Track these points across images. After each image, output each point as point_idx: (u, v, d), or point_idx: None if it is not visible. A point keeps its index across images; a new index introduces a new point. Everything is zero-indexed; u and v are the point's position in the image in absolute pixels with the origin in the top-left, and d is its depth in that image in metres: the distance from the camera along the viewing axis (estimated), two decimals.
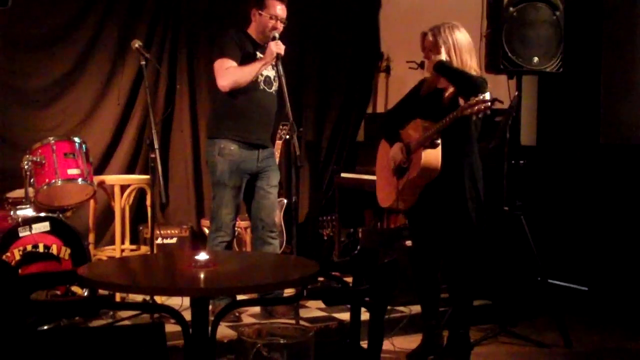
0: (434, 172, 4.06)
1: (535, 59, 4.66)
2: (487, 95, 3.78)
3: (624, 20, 5.30)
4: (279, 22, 4.72)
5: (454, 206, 4.09)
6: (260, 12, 4.73)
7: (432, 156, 4.05)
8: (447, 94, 4.12)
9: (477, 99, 3.79)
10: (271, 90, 4.77)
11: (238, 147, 4.69)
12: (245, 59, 4.68)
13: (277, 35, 4.63)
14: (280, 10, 4.73)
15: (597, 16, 5.43)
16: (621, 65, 5.33)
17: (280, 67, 4.57)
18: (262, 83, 4.74)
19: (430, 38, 4.15)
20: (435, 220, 4.18)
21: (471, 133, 4.12)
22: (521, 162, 4.72)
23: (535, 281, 4.67)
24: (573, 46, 5.02)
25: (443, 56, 4.07)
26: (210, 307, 4.42)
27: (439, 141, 4.03)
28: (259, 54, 4.71)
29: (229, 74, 4.61)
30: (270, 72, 4.75)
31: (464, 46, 4.10)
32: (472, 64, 4.11)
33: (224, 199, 4.71)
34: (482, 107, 3.79)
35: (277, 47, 4.56)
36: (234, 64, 4.63)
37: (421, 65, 5.78)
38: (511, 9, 4.66)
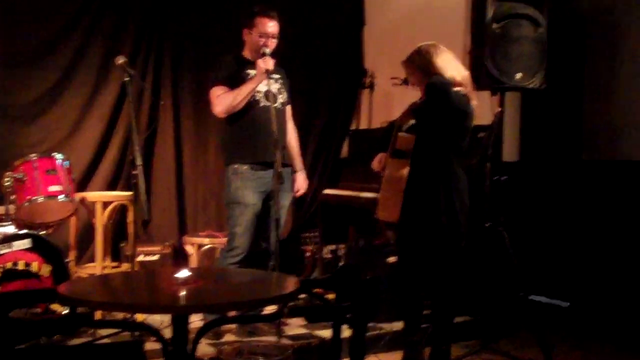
0: (399, 181, 4.15)
1: (519, 75, 4.68)
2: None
3: (606, 36, 5.34)
4: (269, 39, 4.72)
5: (429, 221, 4.11)
6: (250, 31, 4.75)
7: (395, 166, 4.19)
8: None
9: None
10: (276, 104, 4.66)
11: (250, 167, 4.71)
12: (239, 82, 4.68)
13: (267, 51, 4.63)
14: (270, 27, 4.73)
15: (580, 33, 5.47)
16: (604, 82, 5.36)
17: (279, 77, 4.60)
18: (262, 100, 4.72)
19: (408, 69, 4.34)
20: (414, 234, 4.19)
21: (449, 147, 4.13)
22: (503, 178, 4.73)
23: (517, 297, 4.66)
24: (556, 63, 5.04)
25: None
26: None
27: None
28: (252, 73, 4.70)
29: (221, 100, 4.65)
30: (273, 86, 4.72)
31: (440, 67, 4.17)
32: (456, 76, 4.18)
33: (239, 218, 4.70)
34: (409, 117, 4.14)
35: (265, 64, 4.56)
36: (225, 90, 4.65)
37: (405, 82, 5.81)
38: (494, 25, 4.67)
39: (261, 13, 4.73)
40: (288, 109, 5.01)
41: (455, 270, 4.18)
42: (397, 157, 4.25)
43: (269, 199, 4.77)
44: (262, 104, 4.72)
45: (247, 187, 4.70)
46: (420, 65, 4.23)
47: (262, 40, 4.69)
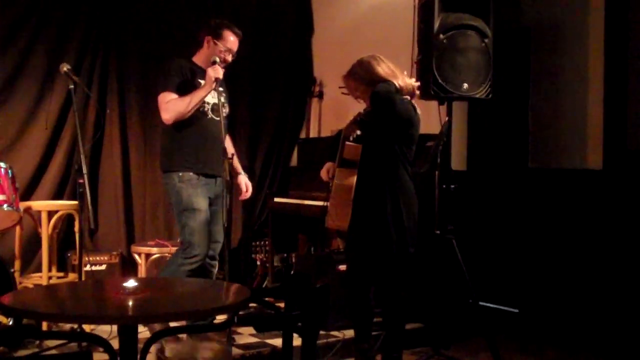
0: (348, 190, 4.20)
1: (465, 86, 4.73)
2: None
3: (550, 48, 5.44)
4: (229, 55, 4.76)
5: (377, 230, 4.14)
6: (215, 41, 4.75)
7: (343, 175, 4.24)
8: None
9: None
10: (219, 118, 4.65)
11: (197, 175, 4.72)
12: (189, 88, 4.67)
13: (217, 59, 4.62)
14: (235, 44, 4.78)
15: (525, 44, 5.56)
16: (548, 92, 5.46)
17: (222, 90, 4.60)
18: (209, 111, 4.74)
19: (345, 83, 4.37)
20: (362, 243, 4.21)
21: (396, 156, 4.17)
22: (452, 186, 4.78)
23: (467, 304, 4.71)
24: (502, 73, 5.12)
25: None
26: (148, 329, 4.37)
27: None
28: (202, 82, 4.69)
29: (170, 106, 4.63)
30: (217, 99, 4.67)
31: (384, 76, 4.23)
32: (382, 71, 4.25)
33: (196, 224, 4.68)
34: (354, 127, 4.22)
35: (215, 72, 4.55)
36: (175, 96, 4.63)
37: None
38: (441, 36, 4.73)
39: (231, 28, 4.77)
40: None
41: (404, 278, 4.20)
42: (345, 167, 4.28)
43: (211, 205, 4.81)
44: (209, 116, 4.74)
45: (198, 193, 4.71)
46: (363, 76, 4.27)
47: (224, 54, 4.73)
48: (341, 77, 4.42)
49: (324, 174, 4.49)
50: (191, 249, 4.70)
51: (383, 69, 4.24)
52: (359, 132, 4.28)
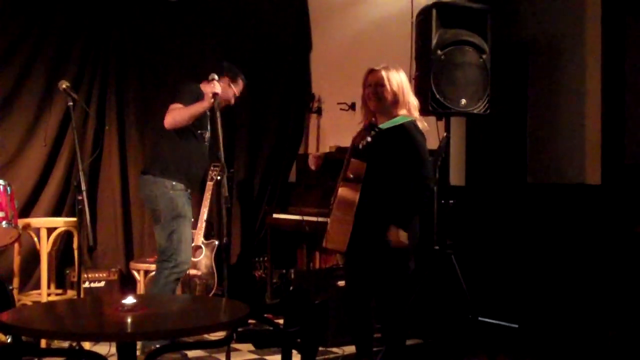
0: (350, 205, 4.10)
1: (463, 101, 4.75)
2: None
3: (548, 63, 5.45)
4: (235, 99, 5.09)
5: (380, 249, 4.08)
6: (231, 84, 5.03)
7: (346, 191, 4.13)
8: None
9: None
10: (206, 143, 5.00)
11: (185, 188, 4.94)
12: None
13: (216, 76, 4.74)
14: (241, 91, 5.12)
15: (523, 59, 5.57)
16: (546, 107, 5.47)
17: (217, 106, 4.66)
18: (207, 138, 5.00)
19: (382, 73, 4.15)
20: (364, 261, 4.18)
21: (402, 180, 4.10)
22: (451, 201, 4.78)
23: (466, 319, 4.71)
24: (500, 89, 5.13)
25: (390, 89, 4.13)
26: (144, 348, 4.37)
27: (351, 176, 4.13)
28: None
29: (173, 113, 4.80)
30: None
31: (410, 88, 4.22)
32: (414, 104, 4.20)
33: (185, 232, 4.86)
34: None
35: (212, 87, 4.65)
36: (181, 106, 4.81)
37: (352, 107, 5.87)
38: (439, 52, 4.75)
39: (243, 77, 5.10)
40: None
41: (404, 295, 4.18)
42: (348, 182, 4.21)
43: None
44: (205, 143, 5.01)
45: (188, 203, 4.93)
46: (397, 93, 4.14)
47: (232, 99, 5.05)
48: (383, 68, 4.21)
49: (312, 162, 4.51)
50: (176, 256, 4.79)
51: (413, 102, 4.19)
52: (369, 139, 4.16)
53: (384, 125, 4.13)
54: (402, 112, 4.13)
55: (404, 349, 4.28)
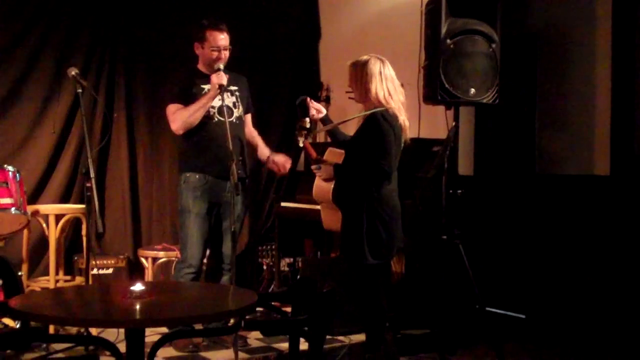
0: (324, 196, 4.36)
1: (472, 90, 4.73)
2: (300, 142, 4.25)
3: (557, 52, 5.43)
4: (221, 51, 4.75)
5: (351, 242, 4.16)
6: (201, 45, 4.79)
7: (320, 184, 4.39)
8: None
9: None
10: (231, 119, 4.69)
11: (203, 176, 4.76)
12: (196, 97, 4.73)
13: (221, 66, 4.67)
14: (221, 39, 4.77)
15: (532, 49, 5.55)
16: (555, 97, 5.45)
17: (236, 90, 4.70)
18: (215, 115, 4.76)
19: (348, 71, 4.29)
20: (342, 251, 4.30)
21: (374, 176, 4.15)
22: (459, 191, 4.77)
23: (473, 309, 4.70)
24: (509, 78, 5.12)
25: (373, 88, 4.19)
26: None
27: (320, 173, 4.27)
28: (207, 88, 4.74)
29: (176, 117, 4.72)
30: (228, 100, 4.73)
31: (378, 78, 4.22)
32: (381, 95, 4.20)
33: (189, 227, 4.73)
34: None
35: (218, 79, 4.60)
36: (180, 106, 4.71)
37: None
38: (448, 41, 4.73)
39: (211, 26, 4.77)
40: (248, 117, 5.06)
41: (370, 290, 4.22)
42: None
43: (220, 210, 4.80)
44: (215, 120, 4.76)
45: (197, 196, 4.75)
46: (360, 82, 4.24)
47: (215, 53, 4.74)
48: (349, 65, 4.33)
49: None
50: (183, 252, 4.76)
51: (382, 89, 4.21)
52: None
53: (357, 115, 4.30)
54: (374, 104, 4.20)
55: (382, 335, 4.29)
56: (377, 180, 4.15)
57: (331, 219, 4.42)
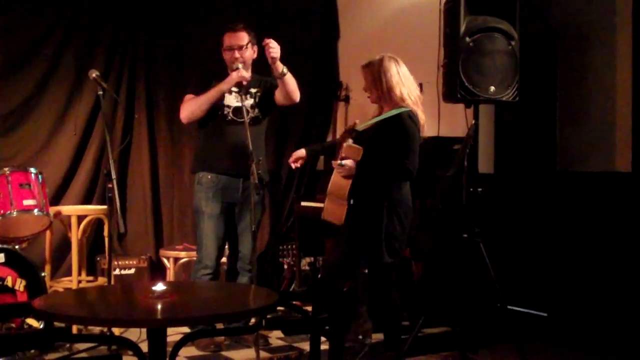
0: (341, 192, 4.29)
1: (492, 88, 4.72)
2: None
3: (577, 50, 5.41)
4: (235, 51, 4.76)
5: (369, 241, 4.18)
6: (222, 49, 4.84)
7: (339, 180, 4.31)
8: None
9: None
10: (247, 119, 4.60)
11: (216, 176, 4.76)
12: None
13: (240, 65, 4.68)
14: (233, 39, 4.80)
15: (552, 46, 5.53)
16: (575, 94, 5.43)
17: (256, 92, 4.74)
18: (230, 114, 4.77)
19: (363, 73, 4.37)
20: (353, 244, 4.28)
21: (399, 176, 4.20)
22: (479, 189, 4.76)
23: (494, 307, 4.69)
24: (529, 75, 5.10)
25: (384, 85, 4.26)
26: None
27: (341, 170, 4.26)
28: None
29: (184, 107, 4.76)
30: (246, 102, 4.74)
31: (398, 77, 4.27)
32: (402, 93, 4.24)
33: (203, 227, 4.76)
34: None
35: (238, 75, 4.63)
36: (191, 97, 4.76)
37: None
38: (467, 39, 4.72)
39: (225, 29, 4.83)
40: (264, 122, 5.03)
41: (384, 285, 4.25)
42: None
43: (234, 211, 4.82)
44: (229, 118, 4.78)
45: (209, 197, 4.76)
46: (379, 84, 4.28)
47: (229, 53, 4.77)
48: (363, 66, 4.40)
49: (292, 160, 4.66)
50: (199, 252, 4.80)
51: (405, 88, 4.25)
52: (350, 141, 4.30)
53: (385, 115, 4.26)
54: (398, 103, 4.24)
55: (399, 332, 4.32)
56: (400, 180, 4.19)
57: (334, 212, 4.40)
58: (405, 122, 4.15)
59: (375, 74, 4.27)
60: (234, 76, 4.63)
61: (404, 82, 4.24)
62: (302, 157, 4.72)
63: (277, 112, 5.58)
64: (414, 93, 4.26)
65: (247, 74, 4.67)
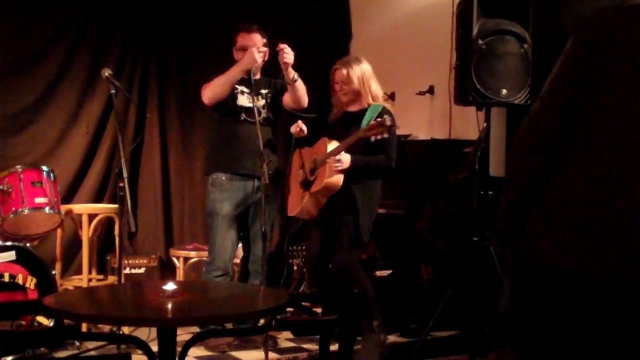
0: (334, 189, 4.51)
1: (504, 91, 4.70)
2: (387, 121, 4.13)
3: None
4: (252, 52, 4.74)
5: (347, 212, 4.49)
6: (235, 48, 4.84)
7: (336, 178, 4.47)
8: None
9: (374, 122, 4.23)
10: (258, 119, 4.56)
11: (230, 177, 4.74)
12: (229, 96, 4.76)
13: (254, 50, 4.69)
14: (248, 39, 4.81)
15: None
16: None
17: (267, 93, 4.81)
18: (242, 114, 4.77)
19: (343, 72, 4.64)
20: (329, 226, 4.60)
21: (383, 169, 4.56)
22: (490, 192, 4.75)
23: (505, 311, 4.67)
24: (541, 78, 5.06)
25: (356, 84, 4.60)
26: None
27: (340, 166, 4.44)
28: (240, 88, 4.78)
29: (205, 89, 4.74)
30: (258, 103, 4.74)
31: (371, 76, 4.65)
32: (376, 91, 4.64)
33: (217, 229, 4.72)
34: (381, 130, 4.17)
35: (250, 56, 4.62)
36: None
37: (391, 97, 5.84)
38: (480, 41, 4.70)
39: (240, 29, 4.85)
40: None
41: (352, 263, 4.47)
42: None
43: (248, 211, 4.82)
44: (242, 118, 4.78)
45: (224, 198, 4.73)
46: (360, 82, 4.62)
47: (242, 53, 4.75)
48: (343, 65, 4.70)
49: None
50: (210, 253, 4.78)
51: (379, 87, 4.65)
52: (385, 135, 4.28)
53: (370, 113, 4.48)
54: (369, 100, 4.62)
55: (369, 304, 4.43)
56: (385, 173, 4.57)
57: (309, 211, 4.68)
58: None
59: (358, 72, 4.57)
60: (255, 54, 4.59)
61: (375, 79, 4.62)
62: (304, 130, 4.78)
63: (287, 112, 5.61)
64: (381, 90, 4.65)
65: (259, 57, 4.67)
